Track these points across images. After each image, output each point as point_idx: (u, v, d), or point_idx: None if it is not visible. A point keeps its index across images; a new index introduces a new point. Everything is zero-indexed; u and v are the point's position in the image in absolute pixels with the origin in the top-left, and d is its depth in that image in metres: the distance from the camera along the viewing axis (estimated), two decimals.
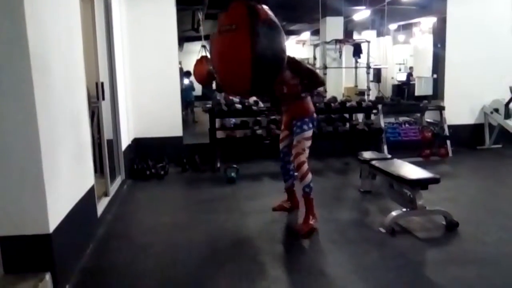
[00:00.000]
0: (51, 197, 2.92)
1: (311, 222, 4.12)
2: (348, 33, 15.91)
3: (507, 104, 7.43)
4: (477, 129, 7.96)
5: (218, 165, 6.72)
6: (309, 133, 4.22)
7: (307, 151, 4.18)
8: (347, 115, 7.65)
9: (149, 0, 6.92)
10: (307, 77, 4.22)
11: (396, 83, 17.25)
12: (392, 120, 7.87)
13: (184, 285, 3.27)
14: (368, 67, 11.91)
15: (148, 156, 6.65)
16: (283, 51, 3.32)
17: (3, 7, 2.65)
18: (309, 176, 4.14)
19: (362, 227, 4.24)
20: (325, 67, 11.79)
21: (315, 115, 4.35)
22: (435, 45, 15.25)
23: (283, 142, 4.53)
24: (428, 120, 7.80)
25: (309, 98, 4.37)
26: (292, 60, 4.05)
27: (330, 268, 3.45)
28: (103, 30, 5.37)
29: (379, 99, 8.16)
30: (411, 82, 16.36)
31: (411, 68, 17.81)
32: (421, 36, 18.39)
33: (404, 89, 16.15)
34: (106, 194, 4.95)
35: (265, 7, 3.16)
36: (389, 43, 19.00)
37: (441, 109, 7.56)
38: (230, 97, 7.15)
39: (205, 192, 5.74)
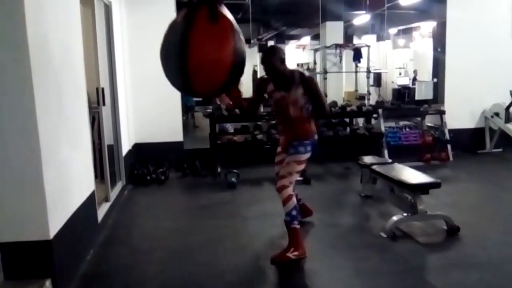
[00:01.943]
0: (51, 203, 2.91)
1: (289, 254, 3.55)
2: (348, 38, 15.94)
3: (507, 108, 7.42)
4: (477, 133, 7.95)
5: (219, 170, 6.72)
6: (303, 156, 3.78)
7: (294, 176, 3.75)
8: (347, 120, 7.64)
9: (150, 5, 6.93)
10: (315, 103, 3.75)
11: (397, 87, 17.25)
12: (392, 124, 7.86)
13: None
14: (368, 71, 11.92)
15: (149, 161, 6.65)
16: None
17: (3, 12, 2.66)
18: (291, 203, 3.63)
19: (363, 232, 4.24)
20: (325, 72, 11.81)
21: (316, 136, 3.89)
22: (435, 49, 15.27)
23: (278, 166, 4.06)
24: (429, 124, 7.79)
25: (310, 119, 3.90)
26: (309, 79, 3.74)
27: (331, 273, 3.44)
28: (104, 35, 5.38)
29: (380, 104, 8.16)
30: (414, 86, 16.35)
31: (415, 71, 17.82)
32: (421, 40, 18.43)
33: (404, 93, 16.15)
34: (106, 200, 4.95)
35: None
36: (389, 47, 19.06)
37: (441, 113, 7.55)
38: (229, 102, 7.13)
39: (205, 197, 5.73)
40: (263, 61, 3.69)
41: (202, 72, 2.81)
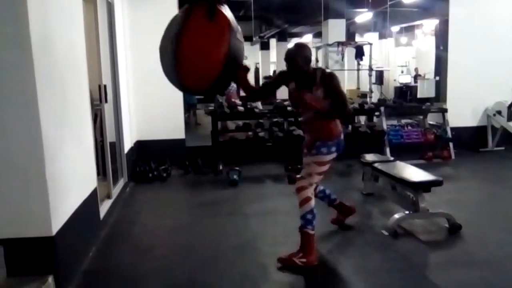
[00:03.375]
0: (54, 200, 2.92)
1: (296, 260, 3.44)
2: (350, 36, 15.92)
3: (510, 106, 7.41)
4: (480, 131, 7.94)
5: (221, 167, 6.72)
6: (325, 157, 3.55)
7: (315, 178, 3.56)
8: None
9: (152, 2, 6.93)
10: (334, 103, 3.48)
11: (399, 85, 17.24)
12: (394, 122, 7.85)
13: None
14: (371, 69, 11.89)
15: (151, 158, 6.66)
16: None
17: (6, 11, 2.67)
18: (307, 206, 3.47)
19: (364, 230, 4.24)
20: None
21: (342, 136, 3.64)
22: (437, 47, 15.25)
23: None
24: (431, 122, 7.79)
25: (335, 118, 3.64)
26: (329, 76, 3.46)
27: (333, 270, 3.44)
28: (106, 33, 5.39)
29: (382, 102, 8.15)
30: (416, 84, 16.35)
31: (416, 69, 17.79)
32: (423, 38, 18.39)
33: (406, 91, 16.14)
34: (108, 197, 4.96)
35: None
36: (391, 45, 19.03)
37: (443, 111, 7.55)
38: (233, 99, 7.16)
39: (207, 194, 5.74)
40: (287, 59, 3.46)
41: (192, 67, 2.86)
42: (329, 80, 3.44)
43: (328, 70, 3.60)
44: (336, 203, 4.21)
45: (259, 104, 7.63)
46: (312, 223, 3.47)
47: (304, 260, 3.42)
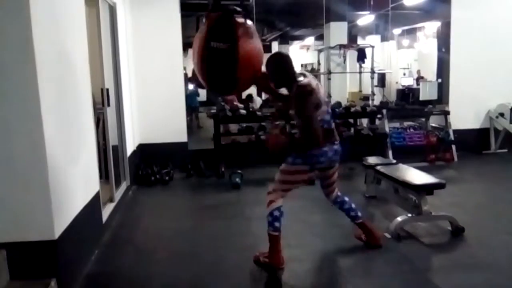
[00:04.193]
0: (56, 203, 2.93)
1: (261, 258, 3.56)
2: (352, 38, 15.91)
3: None
4: (482, 133, 7.93)
5: (223, 170, 6.72)
6: (288, 167, 3.58)
7: (277, 184, 3.60)
8: (351, 120, 7.64)
9: (154, 6, 6.96)
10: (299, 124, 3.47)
11: (401, 87, 17.22)
12: (397, 125, 7.85)
13: None
14: (373, 72, 11.90)
15: (153, 161, 6.66)
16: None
17: (9, 13, 2.68)
18: (269, 208, 3.52)
19: None
20: (329, 72, 11.80)
21: (314, 150, 3.43)
22: (439, 49, 15.23)
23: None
24: (433, 124, 7.78)
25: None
26: (297, 93, 3.35)
27: (335, 273, 3.44)
28: (108, 36, 5.40)
29: (384, 104, 8.15)
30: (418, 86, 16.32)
31: (418, 71, 17.77)
32: (425, 40, 18.37)
33: (408, 93, 16.11)
34: (111, 200, 4.96)
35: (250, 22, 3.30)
36: (393, 47, 19.01)
37: (446, 113, 7.54)
38: (235, 103, 7.17)
39: (209, 197, 5.74)
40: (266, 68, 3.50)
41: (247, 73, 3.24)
42: (294, 97, 3.37)
43: (302, 83, 3.36)
44: (360, 221, 3.89)
45: (257, 103, 7.63)
46: (273, 225, 3.49)
47: (266, 260, 3.52)
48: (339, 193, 3.88)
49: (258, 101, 10.75)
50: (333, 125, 3.56)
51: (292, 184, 3.61)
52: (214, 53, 3.11)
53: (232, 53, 3.10)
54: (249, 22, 3.27)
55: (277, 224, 3.50)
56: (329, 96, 11.03)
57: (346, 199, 3.87)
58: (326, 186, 3.83)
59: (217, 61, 3.14)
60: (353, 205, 3.87)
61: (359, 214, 3.86)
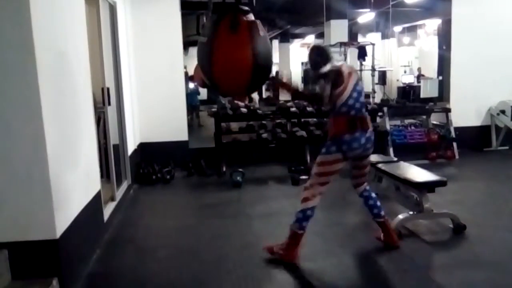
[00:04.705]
0: (58, 203, 2.93)
1: (276, 249, 3.63)
2: (352, 36, 15.90)
3: None
4: (483, 131, 7.92)
5: (224, 169, 6.72)
6: (323, 158, 3.57)
7: (314, 179, 3.58)
8: None
9: (154, 4, 6.95)
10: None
11: (402, 85, 17.19)
12: (398, 122, 7.84)
13: None
14: (373, 69, 11.85)
15: (154, 160, 6.66)
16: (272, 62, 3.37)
17: (9, 13, 2.68)
18: (304, 205, 3.55)
19: (368, 230, 4.22)
20: None
21: (346, 136, 3.50)
22: (440, 47, 15.21)
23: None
24: (434, 122, 7.77)
25: (342, 117, 3.56)
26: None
27: (337, 271, 3.43)
28: (109, 35, 5.39)
29: (385, 102, 8.14)
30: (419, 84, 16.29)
31: (419, 69, 17.75)
32: (426, 38, 18.35)
33: (409, 91, 16.09)
34: (112, 199, 4.96)
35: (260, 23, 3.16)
36: (394, 45, 18.98)
37: (447, 111, 7.53)
38: (235, 101, 7.16)
39: (210, 196, 5.74)
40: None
41: (226, 79, 3.09)
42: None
43: (333, 67, 3.61)
44: (381, 220, 3.85)
45: (256, 103, 7.63)
46: (301, 223, 3.53)
47: (281, 252, 3.57)
48: (367, 187, 3.88)
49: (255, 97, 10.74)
50: (365, 114, 3.67)
51: (329, 176, 3.58)
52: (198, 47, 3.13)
53: (208, 48, 3.03)
54: (250, 22, 3.09)
55: (305, 223, 3.53)
56: None
57: (373, 195, 3.86)
58: (357, 176, 3.83)
59: (198, 57, 3.14)
60: (378, 203, 3.85)
61: (382, 213, 3.84)
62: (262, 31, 3.08)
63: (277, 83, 3.53)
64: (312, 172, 3.62)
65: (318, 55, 3.73)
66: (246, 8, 3.14)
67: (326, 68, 3.58)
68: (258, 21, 3.12)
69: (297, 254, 3.56)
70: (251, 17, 3.09)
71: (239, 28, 2.96)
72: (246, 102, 7.24)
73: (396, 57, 18.96)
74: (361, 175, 3.83)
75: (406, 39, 19.39)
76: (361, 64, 12.87)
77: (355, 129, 3.52)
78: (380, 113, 7.47)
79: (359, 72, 12.91)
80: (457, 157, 7.20)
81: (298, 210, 3.56)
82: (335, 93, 3.50)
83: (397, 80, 17.97)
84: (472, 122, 7.90)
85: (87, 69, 4.03)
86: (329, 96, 3.51)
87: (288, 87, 3.78)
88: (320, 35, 16.74)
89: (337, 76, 3.53)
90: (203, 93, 13.10)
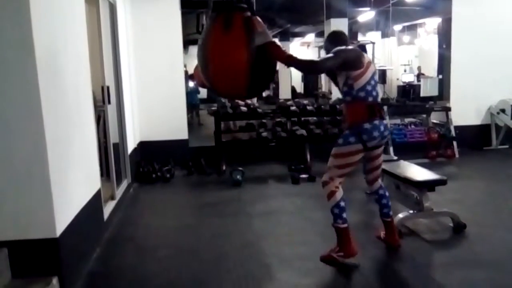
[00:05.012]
0: (58, 201, 2.93)
1: (334, 254, 3.39)
2: (352, 35, 15.90)
3: None
4: (483, 129, 7.92)
5: (224, 168, 6.72)
6: (340, 149, 3.39)
7: (333, 171, 3.41)
8: None
9: (154, 3, 6.94)
10: None
11: (402, 84, 17.19)
12: (398, 121, 7.84)
13: None
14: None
15: (154, 159, 6.67)
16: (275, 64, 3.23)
17: (9, 11, 2.67)
18: (333, 199, 3.38)
19: (368, 229, 4.22)
20: None
21: (366, 124, 3.32)
22: (440, 45, 15.21)
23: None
24: (434, 121, 7.77)
25: (360, 103, 3.37)
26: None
27: (337, 270, 3.43)
28: (109, 34, 5.39)
29: (385, 101, 8.14)
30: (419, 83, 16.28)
31: (419, 68, 17.75)
32: (426, 36, 18.34)
33: (409, 90, 16.09)
34: (112, 198, 4.96)
35: (259, 19, 3.04)
36: (394, 44, 18.97)
37: (447, 110, 7.52)
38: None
39: (210, 195, 5.74)
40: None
41: (222, 79, 2.96)
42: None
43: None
44: (388, 220, 3.78)
45: (254, 101, 7.63)
46: (341, 217, 3.36)
47: (341, 253, 3.37)
48: (382, 184, 3.80)
49: None
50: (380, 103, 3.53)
51: (348, 167, 3.43)
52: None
53: (202, 49, 2.95)
54: (246, 19, 2.95)
55: (344, 215, 3.37)
56: (330, 93, 11.01)
57: (387, 194, 3.77)
58: (371, 170, 3.69)
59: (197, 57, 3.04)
60: (389, 203, 3.76)
61: (391, 213, 3.76)
62: (260, 27, 2.96)
63: (274, 51, 3.00)
64: (330, 164, 3.44)
65: (338, 38, 3.63)
66: (243, 5, 3.00)
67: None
68: (255, 17, 2.99)
69: (354, 247, 3.40)
70: (247, 14, 2.97)
71: (233, 26, 2.84)
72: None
73: (396, 56, 18.95)
74: (376, 167, 3.68)
75: (406, 37, 19.39)
76: None
77: (374, 117, 3.34)
78: None
79: None
80: (457, 156, 7.20)
81: (330, 207, 3.39)
82: (354, 74, 3.31)
83: (397, 79, 17.97)
84: (472, 121, 7.90)
85: (87, 68, 4.03)
86: (346, 78, 3.36)
87: (286, 55, 3.20)
88: (320, 34, 16.74)
89: (357, 57, 3.36)
90: (203, 91, 13.09)
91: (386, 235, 3.82)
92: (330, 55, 3.32)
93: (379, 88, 14.22)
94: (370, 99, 3.36)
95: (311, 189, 5.73)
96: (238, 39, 2.85)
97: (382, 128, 3.38)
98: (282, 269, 3.46)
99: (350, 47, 3.50)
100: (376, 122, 3.34)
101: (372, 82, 3.39)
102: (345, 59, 3.30)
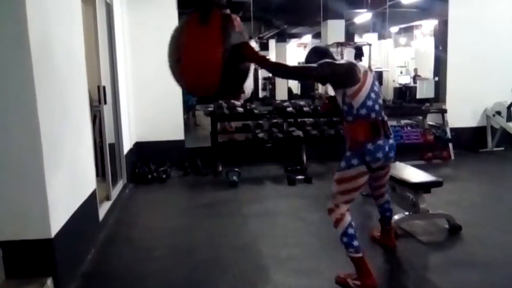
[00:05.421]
0: (53, 202, 2.91)
1: (350, 282, 3.11)
2: (349, 36, 15.91)
3: (509, 107, 7.41)
4: (479, 132, 7.94)
5: (220, 168, 6.71)
6: (344, 174, 3.15)
7: (338, 198, 3.17)
8: None
9: (151, 3, 6.93)
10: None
11: (398, 86, 17.24)
12: (394, 123, 7.83)
13: None
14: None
15: (150, 159, 6.65)
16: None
17: (4, 10, 2.66)
18: (340, 227, 3.12)
19: (364, 231, 4.21)
20: None
21: (369, 145, 3.08)
22: (436, 47, 15.27)
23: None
24: (430, 123, 7.78)
25: (362, 121, 3.11)
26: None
27: (333, 271, 3.43)
28: (105, 34, 5.38)
29: None
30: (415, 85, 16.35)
31: (415, 70, 17.81)
32: (422, 38, 18.41)
33: (405, 92, 16.15)
34: (108, 198, 4.95)
35: (238, 18, 2.89)
36: (390, 46, 19.04)
37: (443, 112, 7.54)
38: (232, 101, 7.15)
39: (207, 196, 5.73)
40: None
41: (192, 73, 2.81)
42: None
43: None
44: (387, 226, 3.78)
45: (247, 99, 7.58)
46: (352, 245, 3.07)
47: (358, 283, 3.08)
48: (388, 198, 3.69)
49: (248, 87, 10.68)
50: (385, 117, 3.22)
51: (354, 191, 3.18)
52: None
53: (175, 41, 2.86)
54: (225, 15, 2.82)
55: (355, 243, 3.07)
56: (327, 94, 11.01)
57: (391, 207, 3.74)
58: (377, 187, 3.57)
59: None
60: (392, 214, 3.78)
61: (392, 221, 3.81)
62: (238, 27, 2.83)
63: (248, 51, 2.82)
64: (334, 191, 3.20)
65: (323, 52, 3.38)
66: (222, 2, 2.86)
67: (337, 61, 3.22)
68: (235, 16, 2.86)
69: (374, 278, 3.07)
70: (226, 12, 2.84)
71: (210, 22, 2.72)
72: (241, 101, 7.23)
73: (393, 58, 19.02)
74: (382, 185, 3.56)
75: (402, 39, 19.47)
76: None
77: (378, 136, 3.10)
78: None
79: None
80: (452, 158, 7.22)
81: (339, 236, 3.13)
82: (350, 92, 3.06)
83: (393, 81, 18.04)
84: (468, 123, 7.92)
85: (83, 68, 4.01)
86: (343, 96, 3.11)
87: (260, 56, 3.01)
88: (317, 35, 16.76)
89: (350, 72, 3.09)
90: None
91: (381, 236, 3.81)
92: (313, 65, 3.09)
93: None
94: (373, 115, 3.10)
95: (307, 190, 5.73)
96: (214, 35, 2.72)
97: (386, 148, 3.15)
98: (278, 270, 3.46)
99: (341, 61, 3.27)
100: (380, 142, 3.10)
101: (373, 95, 3.12)
102: (333, 73, 3.07)
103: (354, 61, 3.43)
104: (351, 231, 3.09)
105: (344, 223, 3.09)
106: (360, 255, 3.07)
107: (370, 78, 3.15)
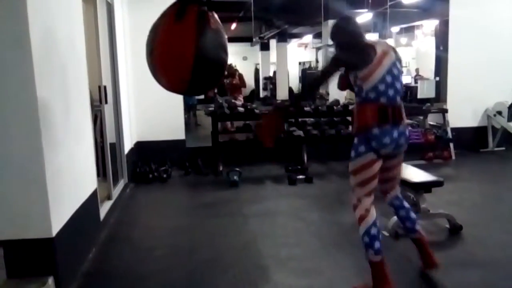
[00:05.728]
0: (53, 201, 2.92)
1: None
2: None
3: (510, 107, 7.42)
4: (480, 131, 7.94)
5: (221, 168, 6.72)
6: (355, 164, 3.01)
7: (357, 191, 3.04)
8: (349, 118, 7.62)
9: (152, 3, 6.89)
10: None
11: None
12: None
13: None
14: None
15: (151, 159, 6.66)
16: (225, 60, 2.91)
17: (5, 11, 2.66)
18: (363, 226, 2.97)
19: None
20: None
21: (374, 130, 2.90)
22: (437, 47, 15.23)
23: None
24: (431, 123, 7.78)
25: (369, 104, 2.94)
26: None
27: (333, 271, 3.43)
28: (106, 34, 5.38)
29: None
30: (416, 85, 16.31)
31: (417, 69, 17.78)
32: (423, 38, 18.38)
33: (406, 91, 16.12)
34: (109, 198, 4.95)
35: (215, 16, 2.83)
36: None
37: (444, 111, 7.54)
38: (233, 100, 7.16)
39: (207, 195, 5.73)
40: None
41: (164, 68, 2.84)
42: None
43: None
44: (415, 237, 3.30)
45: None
46: (373, 247, 2.89)
47: None
48: (399, 194, 3.34)
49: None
50: (400, 103, 3.02)
51: (371, 181, 3.00)
52: None
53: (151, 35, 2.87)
54: (201, 12, 2.78)
55: (377, 245, 2.90)
56: (327, 94, 11.01)
57: (406, 205, 3.31)
58: (386, 180, 3.23)
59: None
60: (412, 215, 3.28)
61: (417, 227, 3.27)
62: (214, 23, 2.77)
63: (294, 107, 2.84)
64: (352, 184, 3.07)
65: (341, 31, 3.17)
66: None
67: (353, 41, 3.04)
68: (212, 13, 2.77)
69: (392, 285, 2.92)
70: (203, 8, 2.81)
71: (186, 17, 2.70)
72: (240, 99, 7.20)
73: None
74: (392, 178, 3.24)
75: (403, 39, 19.43)
76: None
77: (385, 121, 2.90)
78: None
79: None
80: (453, 157, 7.22)
81: (360, 234, 2.96)
82: (362, 74, 2.90)
83: None
84: (468, 123, 7.92)
85: (84, 67, 4.02)
86: (354, 78, 2.96)
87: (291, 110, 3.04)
88: (318, 35, 16.76)
89: (365, 52, 2.92)
90: None
91: (421, 257, 3.28)
92: (325, 65, 3.01)
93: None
94: (383, 99, 2.91)
95: (308, 190, 5.73)
96: (188, 31, 2.69)
97: (395, 134, 2.93)
98: (278, 270, 3.46)
99: (358, 40, 3.07)
100: (387, 127, 2.90)
101: (388, 79, 2.91)
102: (340, 65, 3.03)
103: (375, 40, 3.17)
104: (374, 231, 2.94)
105: (368, 221, 2.96)
106: (379, 259, 2.91)
107: (388, 60, 2.96)
